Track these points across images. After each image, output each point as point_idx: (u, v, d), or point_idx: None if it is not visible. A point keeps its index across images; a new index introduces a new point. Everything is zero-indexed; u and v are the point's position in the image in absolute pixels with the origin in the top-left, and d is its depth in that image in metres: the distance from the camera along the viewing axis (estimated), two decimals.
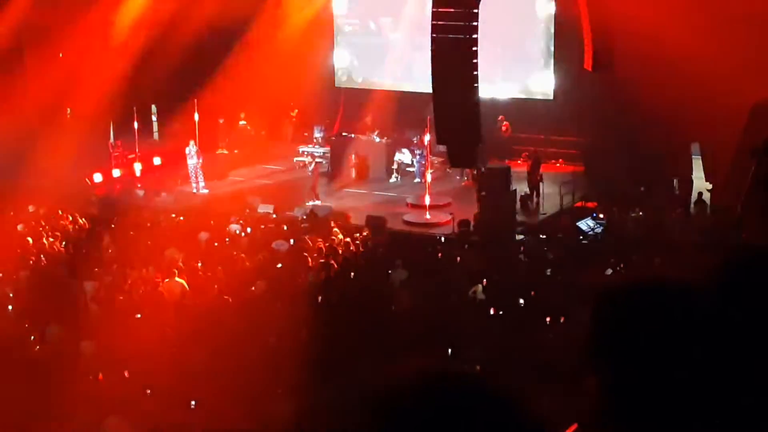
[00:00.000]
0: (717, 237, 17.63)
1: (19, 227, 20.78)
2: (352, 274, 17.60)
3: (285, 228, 20.62)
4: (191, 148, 25.41)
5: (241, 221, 21.10)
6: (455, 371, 1.83)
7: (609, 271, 16.38)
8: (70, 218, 21.43)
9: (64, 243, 19.69)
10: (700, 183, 22.99)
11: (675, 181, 23.63)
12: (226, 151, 28.44)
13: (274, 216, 22.09)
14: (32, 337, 14.74)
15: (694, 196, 22.48)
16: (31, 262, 18.22)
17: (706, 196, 22.19)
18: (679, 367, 1.97)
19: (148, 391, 11.92)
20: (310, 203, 23.44)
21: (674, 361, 1.97)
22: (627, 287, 2.10)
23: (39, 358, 13.72)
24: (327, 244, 18.87)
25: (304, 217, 21.88)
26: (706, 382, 1.96)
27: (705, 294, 2.07)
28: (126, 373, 12.63)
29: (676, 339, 1.98)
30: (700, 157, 23.61)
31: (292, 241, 19.54)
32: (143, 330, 14.30)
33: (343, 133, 27.46)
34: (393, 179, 26.40)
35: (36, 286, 17.03)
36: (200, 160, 25.60)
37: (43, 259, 18.34)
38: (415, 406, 1.76)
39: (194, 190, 25.41)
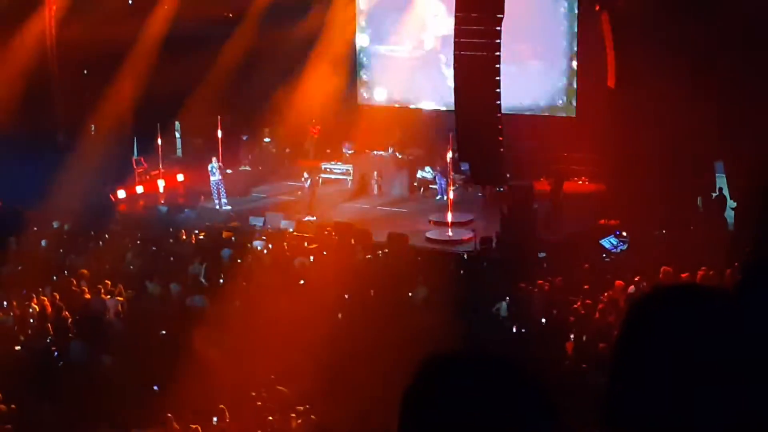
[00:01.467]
0: (738, 254, 17.48)
1: (43, 243, 20.92)
2: (372, 291, 17.58)
3: (306, 244, 20.66)
4: (214, 165, 25.48)
5: (263, 237, 21.15)
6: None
7: (632, 289, 16.29)
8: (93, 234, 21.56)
9: (86, 259, 19.78)
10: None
11: (699, 199, 23.48)
12: (249, 168, 28.53)
13: (295, 233, 22.12)
14: (55, 352, 14.82)
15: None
16: (54, 278, 18.32)
17: (730, 214, 22.08)
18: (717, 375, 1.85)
19: (169, 415, 11.91)
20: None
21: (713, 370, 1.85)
22: (663, 294, 1.98)
23: (62, 373, 13.79)
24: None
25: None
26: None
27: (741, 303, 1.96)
28: (156, 387, 12.69)
29: (719, 347, 1.85)
30: (724, 175, 23.47)
31: (311, 257, 19.58)
32: (167, 345, 14.36)
33: (366, 150, 27.48)
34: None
35: (58, 302, 17.13)
36: (222, 177, 25.68)
37: (65, 274, 18.43)
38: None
39: (217, 207, 25.47)
